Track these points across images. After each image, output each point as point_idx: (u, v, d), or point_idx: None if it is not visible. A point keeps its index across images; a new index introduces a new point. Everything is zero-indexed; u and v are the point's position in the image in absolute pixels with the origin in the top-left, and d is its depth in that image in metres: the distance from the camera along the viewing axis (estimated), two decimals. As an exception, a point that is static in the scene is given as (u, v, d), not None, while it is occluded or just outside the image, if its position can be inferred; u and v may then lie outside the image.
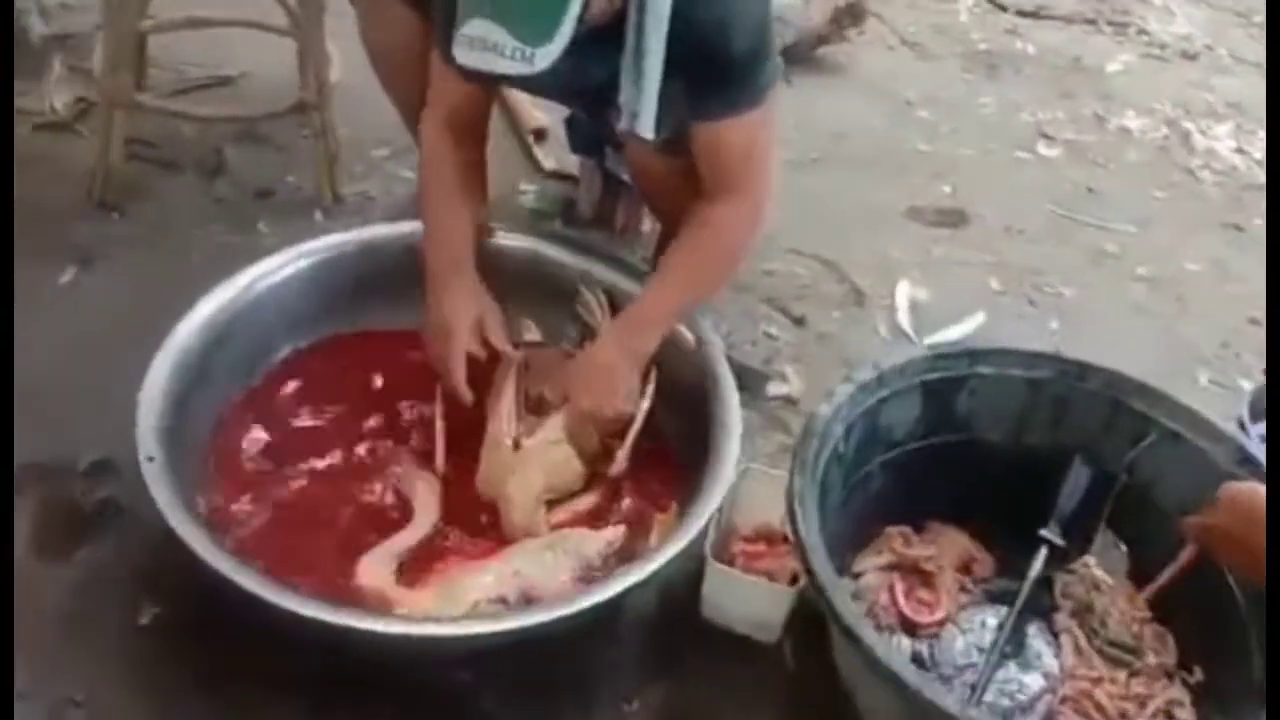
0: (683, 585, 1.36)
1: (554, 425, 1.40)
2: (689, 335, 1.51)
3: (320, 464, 1.43)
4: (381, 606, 1.25)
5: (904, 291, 1.99)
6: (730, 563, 1.35)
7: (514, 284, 1.56)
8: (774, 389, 1.75)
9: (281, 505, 1.38)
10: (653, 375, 1.45)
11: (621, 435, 1.43)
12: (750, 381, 1.73)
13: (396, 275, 1.55)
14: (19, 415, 1.49)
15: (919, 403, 1.39)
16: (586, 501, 1.42)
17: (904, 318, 1.94)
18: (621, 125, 1.36)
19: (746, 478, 1.41)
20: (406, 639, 1.17)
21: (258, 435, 1.45)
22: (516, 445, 1.38)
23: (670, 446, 1.50)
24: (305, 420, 1.49)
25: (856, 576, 1.38)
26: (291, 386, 1.52)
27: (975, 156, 2.40)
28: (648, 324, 1.44)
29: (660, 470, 1.47)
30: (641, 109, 1.33)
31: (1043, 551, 1.35)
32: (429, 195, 1.52)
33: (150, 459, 1.26)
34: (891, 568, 1.39)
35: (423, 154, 1.54)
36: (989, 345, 1.49)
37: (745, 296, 1.92)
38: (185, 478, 1.30)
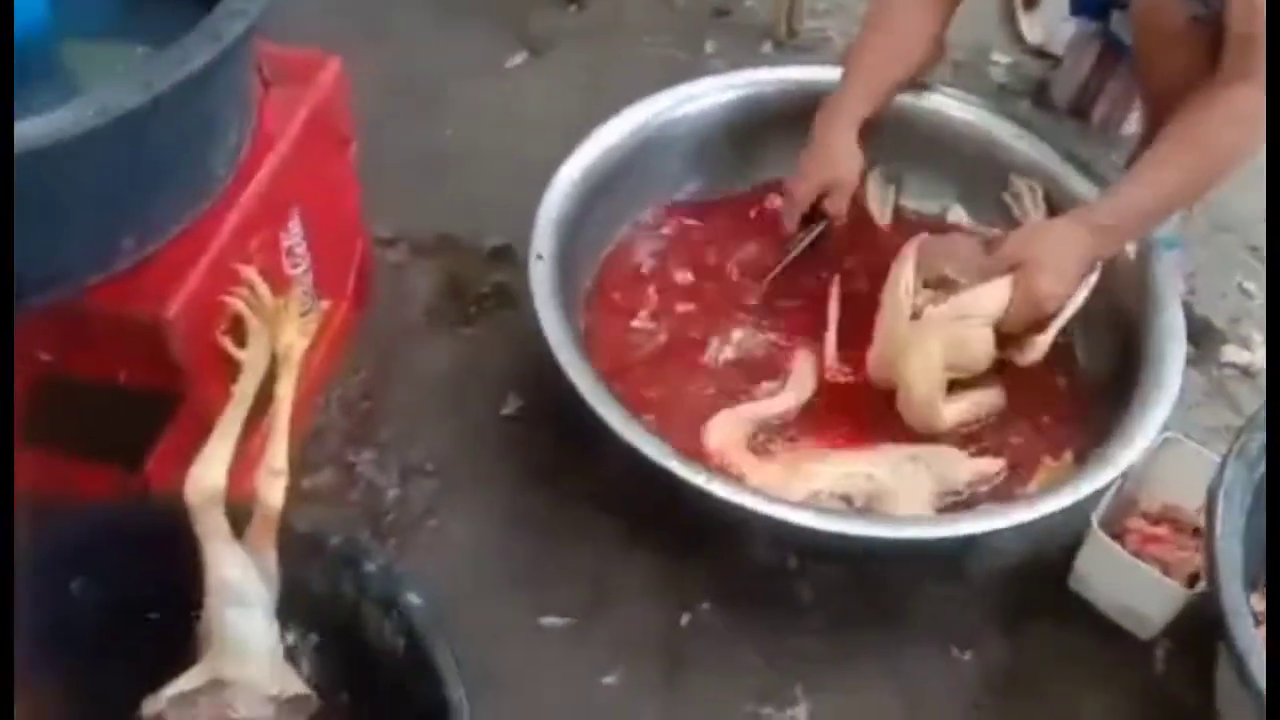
0: (1054, 547, 1.18)
1: (962, 301, 1.23)
2: (1130, 246, 1.28)
3: (702, 309, 1.37)
4: (723, 466, 1.18)
5: None
6: (1120, 539, 1.15)
7: (947, 156, 1.41)
8: (1231, 354, 1.47)
9: (653, 338, 1.34)
10: (1097, 266, 1.24)
11: (1041, 328, 1.23)
12: (1203, 338, 1.47)
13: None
14: (442, 183, 1.57)
15: None
16: (989, 399, 1.26)
17: None
18: None
19: (1167, 448, 1.18)
20: (744, 510, 1.09)
21: (647, 262, 1.41)
22: (915, 315, 1.23)
23: (1082, 379, 1.30)
24: (701, 260, 1.42)
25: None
26: (694, 223, 1.45)
27: None
28: (1118, 217, 1.22)
29: (1062, 406, 1.28)
30: None
31: None
32: (868, 25, 1.38)
33: (539, 257, 1.25)
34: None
35: None
36: None
37: (1224, 238, 1.62)
38: (569, 285, 1.28)
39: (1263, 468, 1.03)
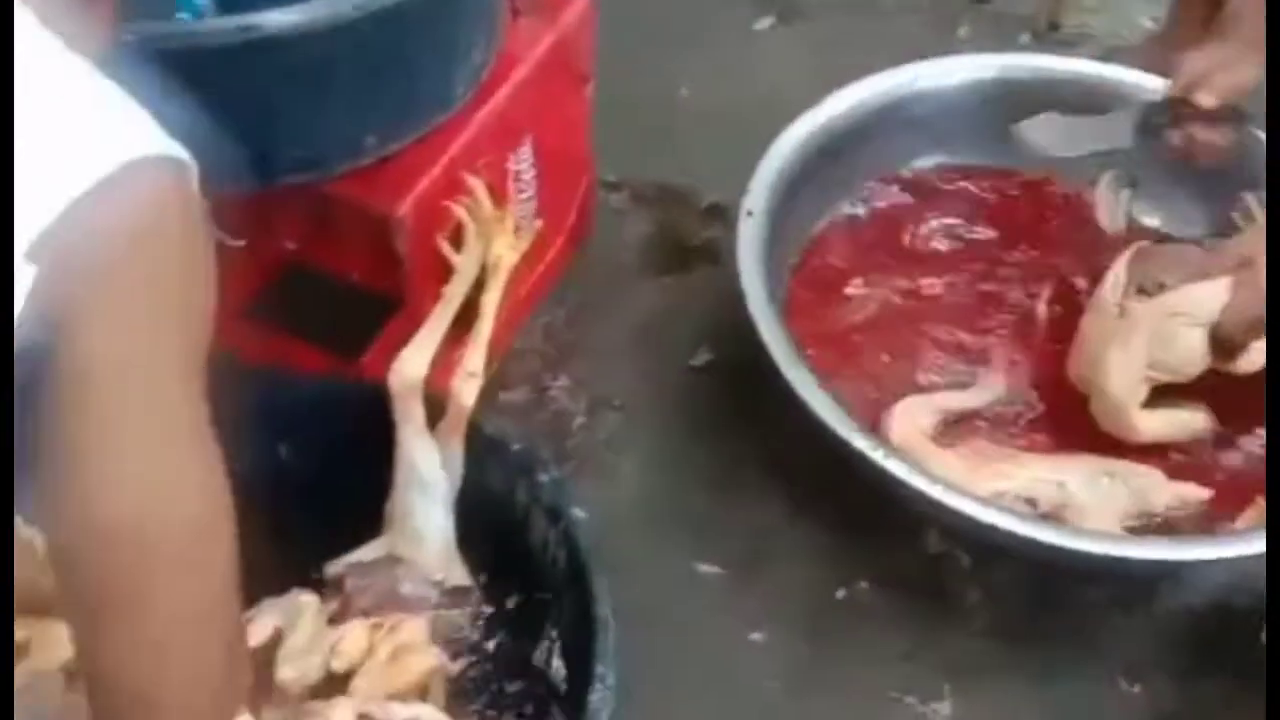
0: (1250, 597, 1.11)
1: (1174, 298, 1.15)
2: None
3: (913, 286, 1.34)
4: (904, 450, 1.15)
5: None
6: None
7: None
8: None
9: (862, 308, 1.32)
10: None
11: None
12: None
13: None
14: (671, 136, 1.59)
15: None
16: (1193, 421, 1.18)
17: None
18: None
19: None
20: (922, 496, 1.07)
21: (866, 233, 1.39)
22: (1122, 312, 1.16)
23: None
24: (921, 239, 1.39)
25: None
26: (916, 201, 1.41)
27: None
28: None
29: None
30: None
31: None
32: None
33: (749, 214, 1.25)
34: None
35: None
36: None
37: None
38: (779, 248, 1.28)
39: None
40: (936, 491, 1.05)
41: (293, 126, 0.97)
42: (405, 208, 1.04)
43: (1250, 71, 1.19)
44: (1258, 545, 1.03)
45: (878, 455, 1.07)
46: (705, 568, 1.15)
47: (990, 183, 1.42)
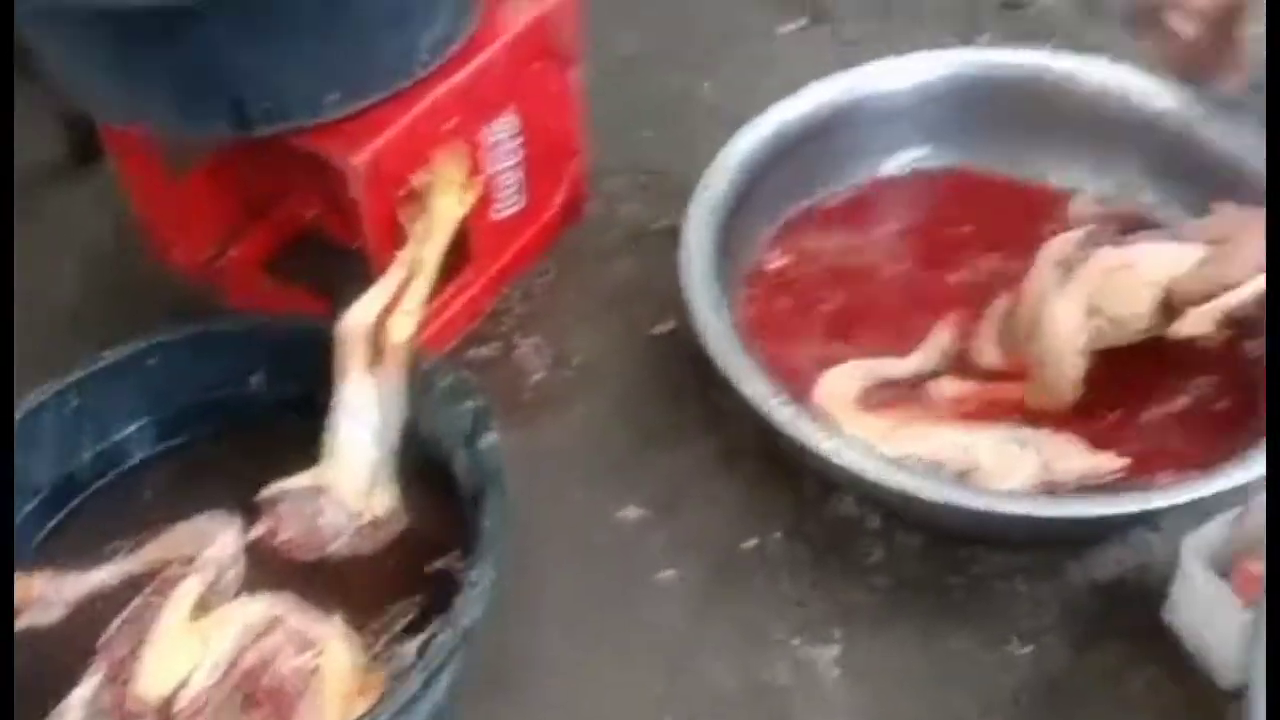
0: (1155, 576, 1.11)
1: (1131, 251, 1.13)
2: None
3: (873, 273, 1.38)
4: (827, 415, 1.20)
5: None
6: (1226, 577, 1.06)
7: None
8: None
9: (816, 293, 1.36)
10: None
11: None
12: None
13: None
14: (680, 129, 1.66)
15: None
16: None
17: None
18: None
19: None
20: (832, 465, 1.11)
21: (830, 223, 1.43)
22: (1070, 267, 1.15)
23: (1244, 390, 1.19)
24: (884, 231, 1.43)
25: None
26: (882, 195, 1.46)
27: None
28: None
29: (1209, 416, 1.18)
30: None
31: None
32: None
33: (705, 188, 1.33)
34: None
35: None
36: None
37: None
38: (744, 225, 1.35)
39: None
40: (827, 448, 1.09)
41: (255, 83, 1.10)
42: (361, 158, 1.16)
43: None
44: (1153, 501, 1.04)
45: (783, 417, 1.12)
46: (627, 511, 1.22)
47: (961, 180, 1.46)
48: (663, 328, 1.41)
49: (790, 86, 1.69)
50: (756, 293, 1.37)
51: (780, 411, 1.13)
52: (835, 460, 1.09)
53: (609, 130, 1.59)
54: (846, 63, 1.71)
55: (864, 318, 1.33)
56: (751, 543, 1.19)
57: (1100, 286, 1.14)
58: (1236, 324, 1.19)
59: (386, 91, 1.18)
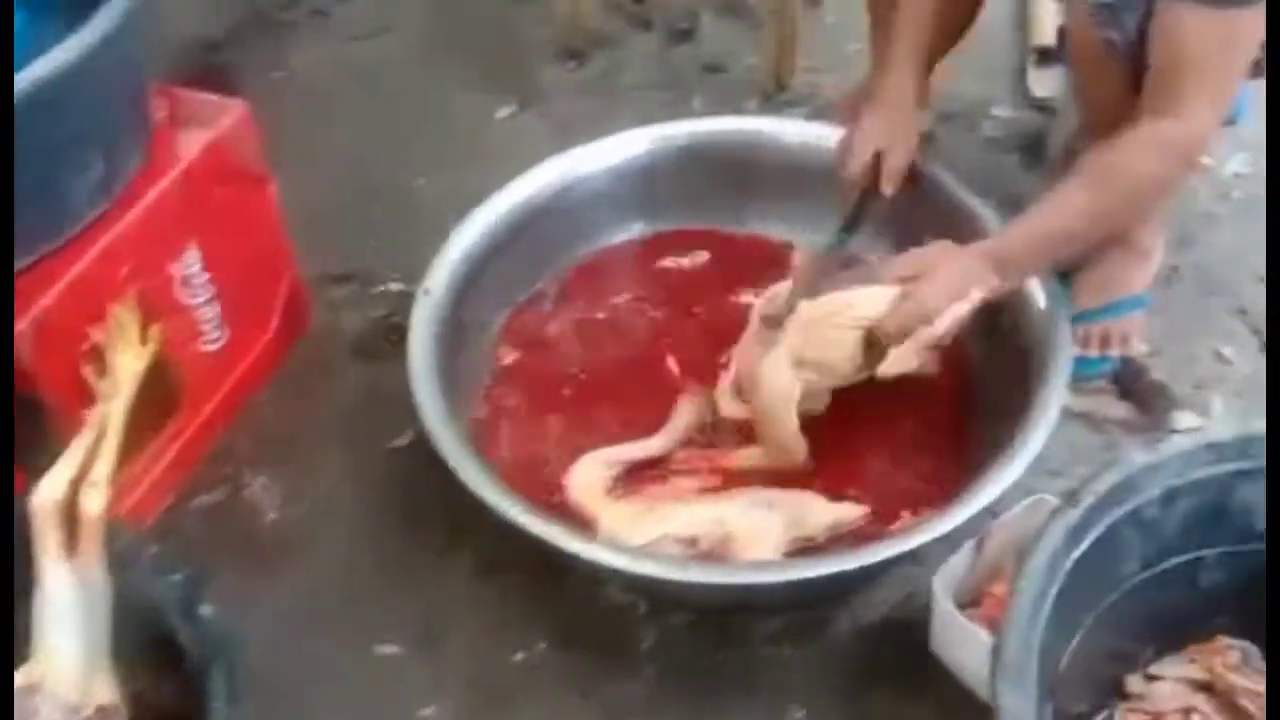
0: (915, 612, 1.12)
1: (833, 300, 1.16)
2: (1040, 297, 1.22)
3: (603, 355, 1.37)
4: (580, 509, 1.17)
5: None
6: (978, 604, 1.09)
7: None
8: (1184, 420, 1.36)
9: (540, 381, 1.34)
10: (976, 299, 1.14)
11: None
12: (1152, 402, 1.37)
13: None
14: (406, 224, 1.60)
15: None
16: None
17: None
18: None
19: (1035, 510, 1.10)
20: (579, 560, 1.09)
21: (562, 307, 1.42)
22: (779, 322, 1.17)
23: (967, 418, 1.24)
24: (599, 310, 1.42)
25: (1150, 679, 1.05)
26: (598, 274, 1.46)
27: None
28: (1020, 245, 1.17)
29: (937, 447, 1.22)
30: None
31: None
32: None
33: (426, 292, 1.28)
34: (1200, 688, 1.03)
35: None
36: None
37: (1211, 301, 1.50)
38: (465, 328, 1.31)
39: (1084, 543, 0.94)
40: (576, 549, 1.06)
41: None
42: (23, 325, 1.06)
43: (903, 148, 1.30)
44: (885, 552, 1.05)
45: (529, 522, 1.08)
46: (383, 649, 1.15)
47: (682, 246, 1.48)
48: (400, 441, 1.35)
49: (506, 175, 1.68)
50: (492, 390, 1.34)
51: (526, 517, 1.09)
52: (586, 558, 1.06)
53: (325, 237, 1.53)
54: (560, 145, 1.73)
55: (602, 399, 1.31)
56: (519, 657, 1.14)
57: (805, 339, 1.16)
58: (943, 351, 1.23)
59: (45, 248, 1.08)
